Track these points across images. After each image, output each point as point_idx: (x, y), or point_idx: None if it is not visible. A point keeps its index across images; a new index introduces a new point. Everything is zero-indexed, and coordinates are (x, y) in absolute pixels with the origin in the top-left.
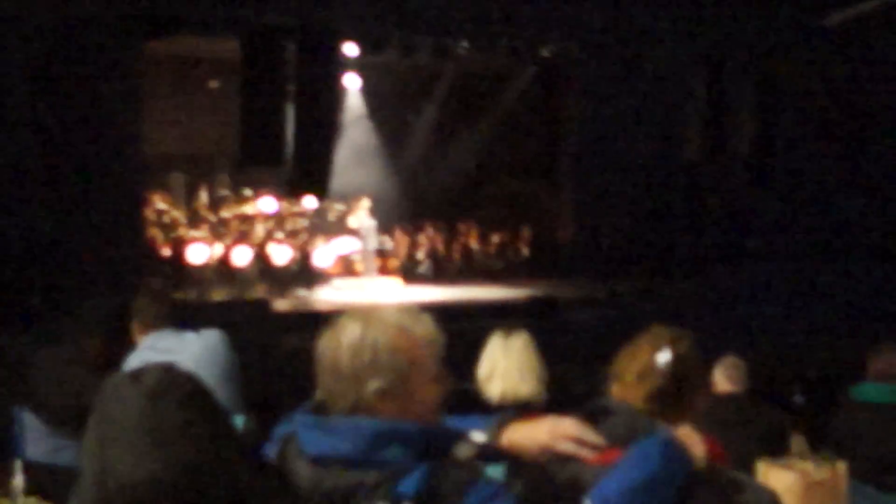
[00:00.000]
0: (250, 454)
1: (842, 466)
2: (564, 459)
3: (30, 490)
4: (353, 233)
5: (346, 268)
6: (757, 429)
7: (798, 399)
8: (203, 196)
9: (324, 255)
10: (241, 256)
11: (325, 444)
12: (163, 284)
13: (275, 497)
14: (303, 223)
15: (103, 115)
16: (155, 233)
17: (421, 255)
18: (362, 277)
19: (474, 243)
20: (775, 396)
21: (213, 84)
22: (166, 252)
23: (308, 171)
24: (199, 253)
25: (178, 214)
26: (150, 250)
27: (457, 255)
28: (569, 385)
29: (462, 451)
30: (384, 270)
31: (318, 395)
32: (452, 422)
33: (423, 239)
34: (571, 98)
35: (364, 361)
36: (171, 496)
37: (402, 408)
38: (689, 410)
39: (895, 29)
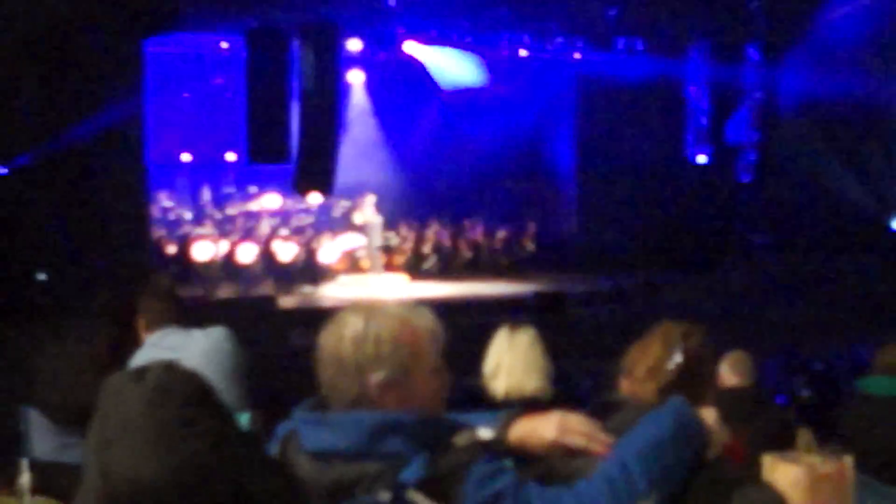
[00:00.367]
0: (255, 451)
1: (849, 460)
2: (572, 454)
3: (36, 489)
4: (359, 229)
5: (352, 264)
6: (764, 423)
7: (804, 392)
8: (208, 193)
9: (329, 251)
10: (247, 253)
11: (325, 439)
12: (168, 282)
13: (279, 494)
14: (308, 220)
15: (106, 113)
16: (160, 230)
17: (427, 250)
18: (368, 274)
19: (480, 239)
20: (781, 390)
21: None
22: (172, 249)
23: (313, 168)
24: (204, 250)
25: (184, 212)
26: (156, 248)
27: (463, 251)
28: (575, 380)
29: (462, 440)
30: (390, 267)
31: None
32: (458, 418)
33: (429, 235)
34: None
35: (367, 354)
36: (174, 495)
37: (404, 399)
38: (699, 404)
39: None
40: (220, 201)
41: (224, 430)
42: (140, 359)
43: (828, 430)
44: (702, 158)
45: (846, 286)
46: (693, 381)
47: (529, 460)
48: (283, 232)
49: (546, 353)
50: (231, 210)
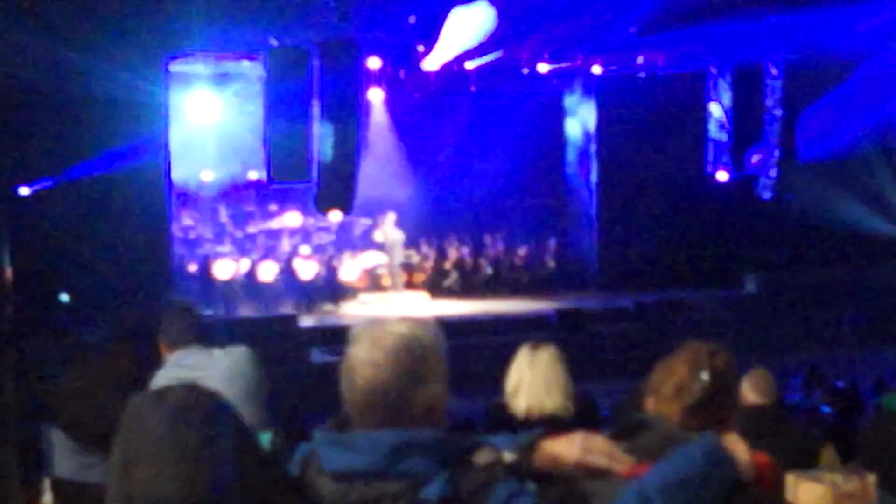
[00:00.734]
0: (276, 471)
1: (871, 478)
2: (595, 474)
3: None
4: (380, 247)
5: (373, 282)
6: (786, 441)
7: (826, 409)
8: (229, 212)
9: (350, 269)
10: (268, 272)
11: (346, 459)
12: (189, 302)
13: None
14: (329, 238)
15: (128, 132)
16: (181, 249)
17: (448, 268)
18: (389, 292)
19: (501, 256)
20: (803, 407)
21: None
22: (193, 268)
23: (334, 186)
24: (225, 269)
25: (205, 230)
26: (177, 267)
27: (483, 269)
28: (596, 398)
29: (482, 458)
30: (411, 284)
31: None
32: (479, 438)
33: (450, 252)
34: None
35: (417, 367)
36: None
37: (437, 414)
38: (725, 424)
39: None
40: (240, 220)
41: (245, 449)
42: (161, 378)
43: (850, 448)
44: (722, 176)
45: (868, 303)
46: (719, 401)
47: (551, 482)
48: (304, 250)
49: (567, 372)
50: (252, 228)
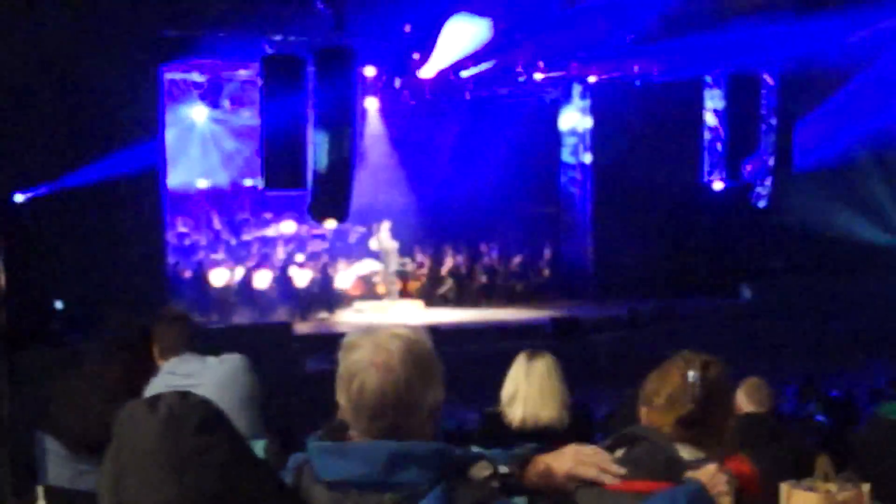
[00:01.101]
0: (269, 479)
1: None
2: (587, 486)
3: None
4: (375, 255)
5: (368, 290)
6: (781, 450)
7: (821, 418)
8: (216, 220)
9: (345, 277)
10: (263, 279)
11: (341, 468)
12: (183, 309)
13: None
14: (324, 245)
15: (123, 139)
16: (176, 256)
17: (444, 276)
18: (384, 300)
19: (496, 264)
20: (798, 416)
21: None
22: (188, 275)
23: (329, 194)
24: (220, 276)
25: (199, 237)
26: (172, 274)
27: (478, 277)
28: (590, 406)
29: (478, 472)
30: (405, 292)
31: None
32: (475, 451)
33: (446, 260)
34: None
35: (419, 373)
36: None
37: (431, 417)
38: (717, 435)
39: None
40: (235, 227)
41: (238, 458)
42: (155, 386)
43: (845, 457)
44: (718, 185)
45: (863, 311)
46: (711, 412)
47: (543, 496)
48: (299, 258)
49: (563, 381)
50: (247, 236)
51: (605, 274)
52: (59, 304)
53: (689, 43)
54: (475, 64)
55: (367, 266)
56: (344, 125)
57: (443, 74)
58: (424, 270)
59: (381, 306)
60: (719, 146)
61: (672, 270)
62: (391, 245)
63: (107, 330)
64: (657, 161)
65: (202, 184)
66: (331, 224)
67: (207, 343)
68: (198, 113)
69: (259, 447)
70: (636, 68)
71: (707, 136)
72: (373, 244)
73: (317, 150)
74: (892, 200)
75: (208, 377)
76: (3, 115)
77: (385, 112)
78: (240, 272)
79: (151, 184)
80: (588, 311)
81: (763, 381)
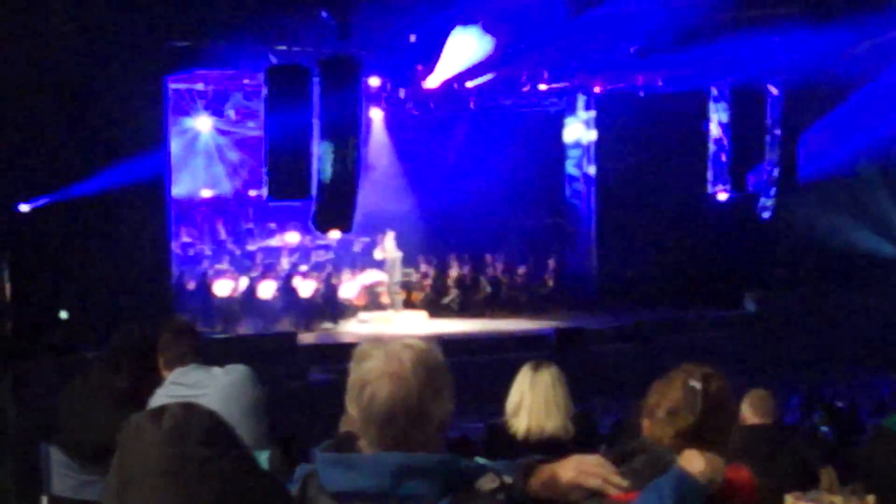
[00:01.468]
0: (274, 490)
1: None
2: (591, 496)
3: None
4: (379, 265)
5: (372, 300)
6: (786, 462)
7: (825, 429)
8: (221, 230)
9: (349, 287)
10: (267, 289)
11: (348, 479)
12: (188, 319)
13: None
14: (328, 256)
15: (128, 149)
16: (180, 266)
17: (449, 286)
18: (388, 310)
19: (500, 275)
20: (803, 427)
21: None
22: (192, 286)
23: (334, 205)
24: (224, 286)
25: (204, 247)
26: (176, 284)
27: (483, 287)
28: (595, 417)
29: (484, 484)
30: (409, 303)
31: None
32: (480, 462)
33: (451, 271)
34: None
35: (430, 384)
36: None
37: (441, 429)
38: (718, 448)
39: None
40: (240, 237)
41: (243, 469)
42: (160, 396)
43: (849, 469)
44: (722, 195)
45: (868, 323)
46: (713, 424)
47: None
48: (303, 268)
49: (568, 392)
50: (251, 246)
51: (609, 285)
52: (63, 315)
53: (693, 54)
54: (480, 75)
55: (371, 276)
56: (348, 136)
57: (447, 85)
58: (429, 281)
59: (385, 317)
60: (724, 157)
61: (676, 281)
62: (395, 255)
63: (112, 340)
64: (662, 172)
65: (207, 194)
66: (335, 234)
67: (212, 353)
68: (202, 123)
69: (263, 457)
70: (641, 80)
71: (711, 147)
72: (377, 254)
73: (321, 160)
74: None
75: (213, 388)
76: (8, 125)
77: (390, 123)
78: (244, 282)
79: (156, 194)
80: (592, 322)
81: (768, 393)
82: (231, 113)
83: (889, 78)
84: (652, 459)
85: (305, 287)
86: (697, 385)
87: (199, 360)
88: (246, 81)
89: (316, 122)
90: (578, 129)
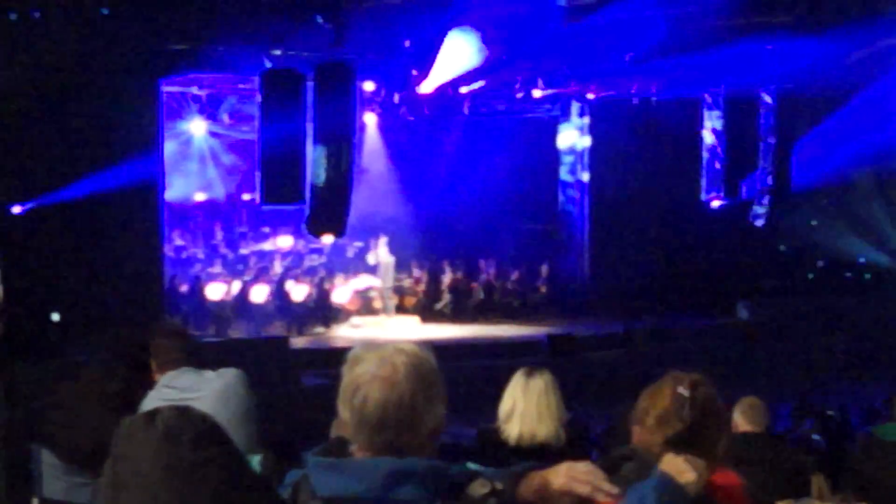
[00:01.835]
0: (266, 494)
1: None
2: (580, 502)
3: None
4: (371, 270)
5: (364, 305)
6: (777, 469)
7: (817, 437)
8: (219, 233)
9: (342, 292)
10: (259, 293)
11: (339, 484)
12: (180, 322)
13: None
14: (321, 260)
15: (122, 152)
16: (173, 269)
17: (442, 291)
18: (380, 315)
19: (493, 281)
20: (794, 435)
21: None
22: (184, 289)
23: (327, 209)
24: (217, 290)
25: (197, 251)
26: (169, 287)
27: (476, 293)
28: (586, 423)
29: (476, 490)
30: (402, 308)
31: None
32: (471, 468)
33: (444, 276)
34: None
35: (423, 390)
36: None
37: (432, 436)
38: (708, 454)
39: None
40: (232, 241)
41: (235, 472)
42: (152, 400)
43: (841, 477)
44: (716, 203)
45: (859, 330)
46: (701, 431)
47: None
48: (296, 272)
49: (560, 399)
50: (244, 250)
51: (601, 291)
52: (55, 317)
53: (687, 62)
54: (474, 80)
55: (364, 281)
56: (342, 140)
57: (442, 90)
58: (421, 286)
59: (377, 321)
60: (717, 165)
61: (669, 288)
62: (388, 260)
63: (104, 343)
64: (655, 179)
65: (200, 197)
66: (328, 239)
67: (204, 357)
68: (196, 127)
69: (255, 461)
70: (635, 87)
71: (705, 154)
72: (370, 259)
73: (315, 164)
74: (889, 220)
75: (205, 391)
76: (2, 128)
77: (384, 127)
78: (237, 286)
79: (149, 197)
80: (584, 329)
81: (759, 401)
82: (225, 117)
83: (882, 87)
84: (640, 467)
85: (298, 291)
86: (686, 392)
87: (191, 364)
88: (240, 85)
89: (310, 127)
90: (572, 136)
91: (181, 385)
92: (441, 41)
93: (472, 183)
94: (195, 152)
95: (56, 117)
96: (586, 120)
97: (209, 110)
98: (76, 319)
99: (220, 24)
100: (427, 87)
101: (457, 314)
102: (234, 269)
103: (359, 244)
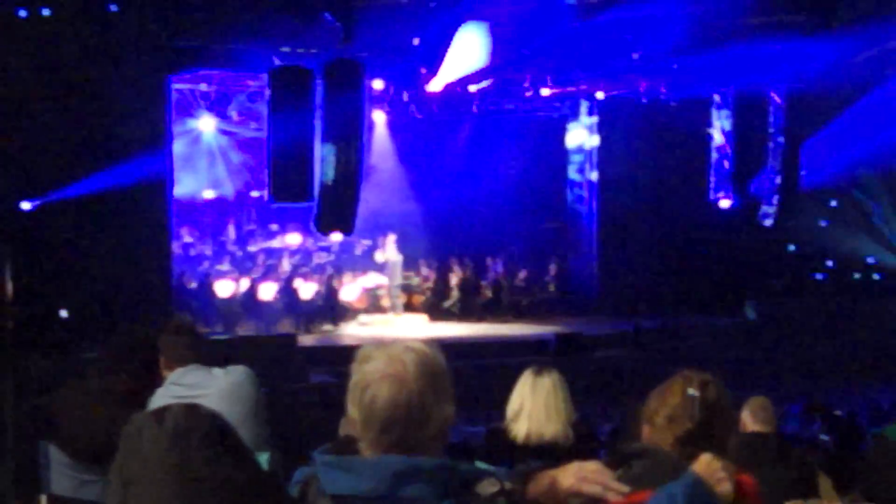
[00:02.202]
0: (274, 491)
1: None
2: (589, 502)
3: None
4: (380, 268)
5: (372, 303)
6: (785, 470)
7: (825, 438)
8: (231, 231)
9: (350, 290)
10: (267, 291)
11: (347, 483)
12: (188, 319)
13: None
14: (329, 258)
15: (131, 149)
16: (181, 266)
17: (448, 290)
18: (388, 313)
19: (501, 279)
20: (802, 435)
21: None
22: (193, 286)
23: (335, 207)
24: (225, 287)
25: (205, 248)
26: (177, 284)
27: (484, 291)
28: (594, 422)
29: (485, 489)
30: (410, 306)
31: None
32: (480, 467)
33: (453, 274)
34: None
35: (432, 388)
36: None
37: (441, 434)
38: (718, 454)
39: None
40: (241, 238)
41: (244, 470)
42: (160, 397)
43: (849, 478)
44: (724, 202)
45: (868, 331)
46: (711, 430)
47: None
48: (304, 270)
49: (568, 398)
50: (252, 247)
51: (610, 291)
52: (64, 313)
53: (697, 61)
54: (483, 79)
55: (372, 279)
56: (351, 138)
57: (450, 89)
58: (429, 284)
59: (385, 320)
60: (726, 164)
61: (677, 288)
62: (397, 258)
63: (112, 340)
64: (664, 179)
65: (209, 194)
66: (336, 237)
67: (212, 354)
68: (205, 124)
69: (263, 459)
70: (644, 86)
71: (714, 154)
72: (378, 257)
73: (324, 162)
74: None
75: (214, 388)
76: (12, 124)
77: (392, 125)
78: (245, 283)
79: (158, 194)
80: (592, 328)
81: (768, 401)
82: (234, 114)
83: (892, 87)
84: (656, 464)
85: (306, 289)
86: (695, 392)
87: (199, 361)
88: (250, 83)
89: (318, 125)
90: (581, 135)
91: (189, 382)
92: (450, 39)
93: (480, 181)
94: (204, 149)
95: (65, 114)
96: (595, 119)
97: (218, 107)
98: (85, 316)
99: (229, 22)
100: (436, 85)
101: (465, 312)
102: (242, 266)
103: (367, 242)
